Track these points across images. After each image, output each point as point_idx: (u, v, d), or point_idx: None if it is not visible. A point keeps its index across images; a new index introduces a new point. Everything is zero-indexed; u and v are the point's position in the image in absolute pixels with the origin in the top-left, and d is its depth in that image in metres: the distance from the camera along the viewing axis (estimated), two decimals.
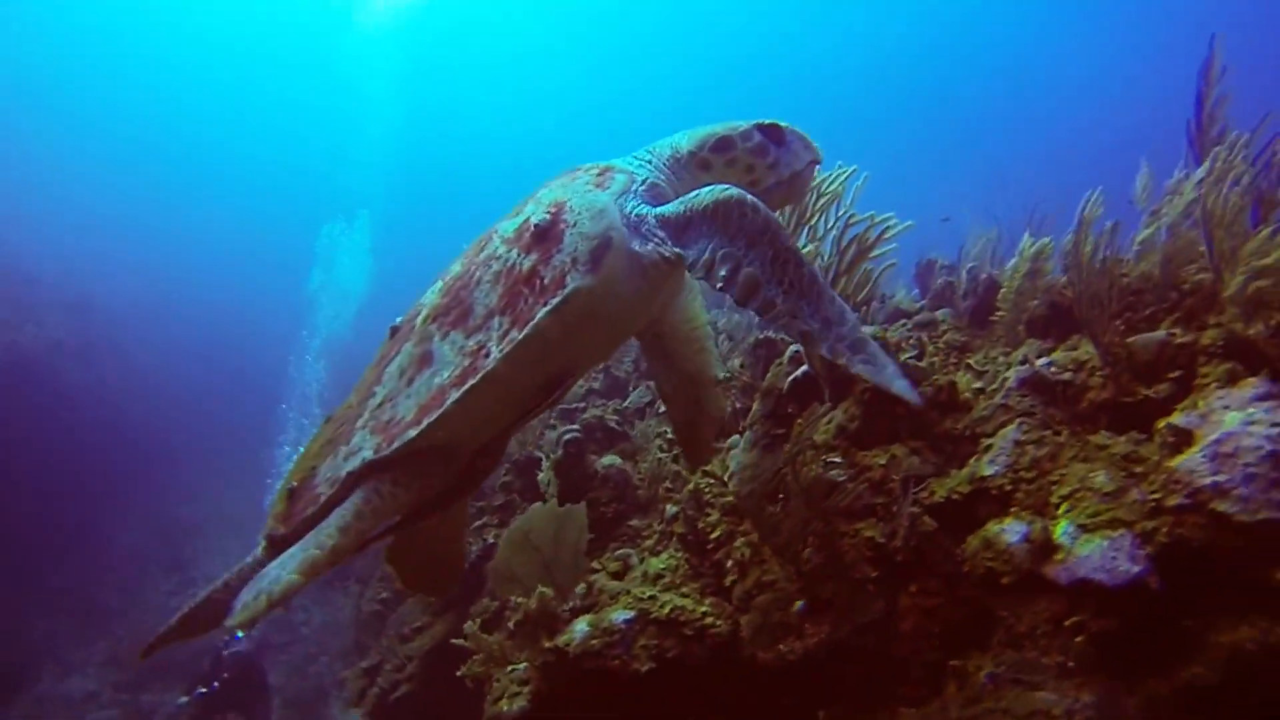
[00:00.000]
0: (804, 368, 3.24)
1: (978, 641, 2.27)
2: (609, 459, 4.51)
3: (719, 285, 1.85)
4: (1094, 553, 1.97)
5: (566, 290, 1.93)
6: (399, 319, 2.42)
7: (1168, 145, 3.72)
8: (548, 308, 1.93)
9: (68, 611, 7.25)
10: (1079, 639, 2.06)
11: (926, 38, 35.23)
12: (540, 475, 4.61)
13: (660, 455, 4.33)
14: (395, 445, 2.04)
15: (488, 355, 1.98)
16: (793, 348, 3.52)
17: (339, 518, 2.03)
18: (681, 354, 2.65)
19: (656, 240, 2.00)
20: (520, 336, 1.95)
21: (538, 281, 1.99)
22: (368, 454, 2.09)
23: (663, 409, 4.62)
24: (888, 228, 2.93)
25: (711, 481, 3.44)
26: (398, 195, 31.76)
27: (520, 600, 3.12)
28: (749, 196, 1.87)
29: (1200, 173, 3.25)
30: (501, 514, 5.44)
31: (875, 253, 3.02)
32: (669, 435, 4.41)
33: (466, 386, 1.98)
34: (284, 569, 1.94)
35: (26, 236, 15.76)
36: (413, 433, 2.02)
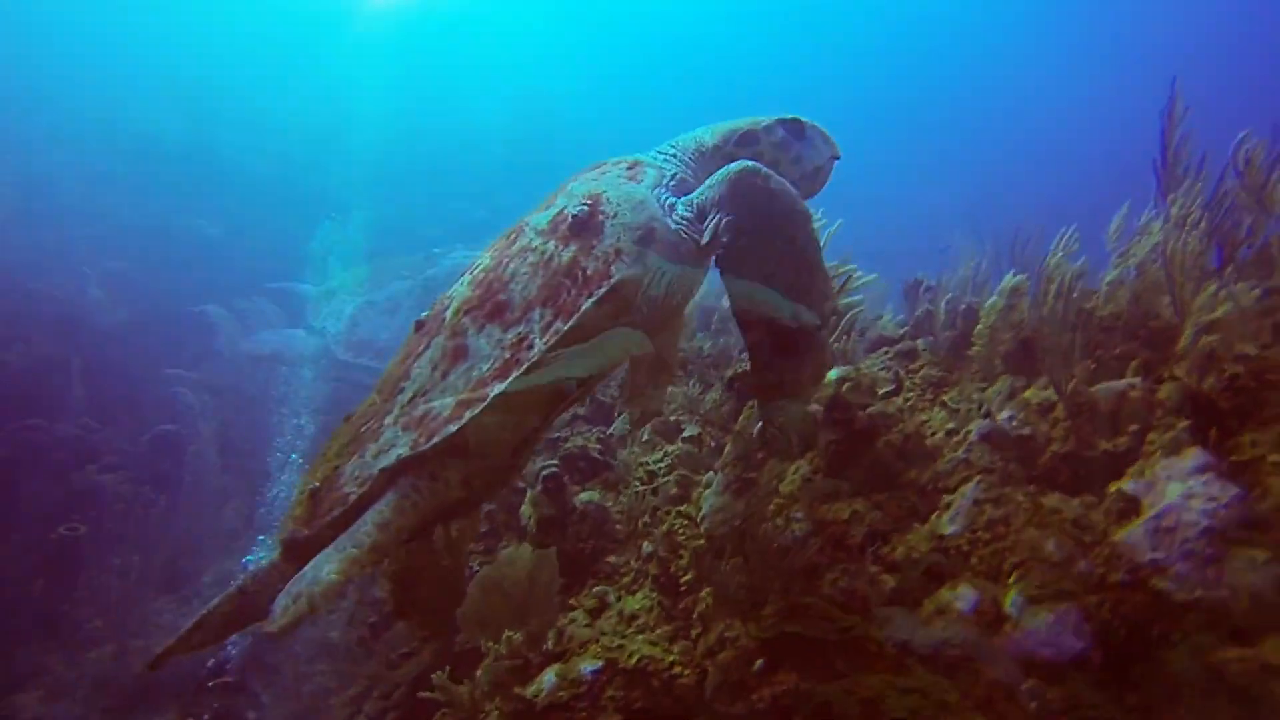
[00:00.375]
0: None
1: (939, 706, 2.29)
2: (587, 494, 4.53)
3: (717, 250, 1.90)
4: (1040, 626, 1.99)
5: (612, 280, 1.93)
6: (424, 313, 2.38)
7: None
8: (593, 298, 1.93)
9: (56, 634, 7.25)
10: (1034, 704, 2.09)
11: (933, 39, 35.14)
12: (522, 508, 4.63)
13: (639, 489, 4.35)
14: (435, 440, 2.00)
15: (530, 347, 1.97)
16: None
17: (377, 514, 2.01)
18: (657, 340, 2.66)
19: (687, 225, 2.04)
20: (565, 328, 1.93)
21: (579, 273, 1.98)
22: (403, 450, 2.05)
23: (645, 438, 4.66)
24: (850, 278, 2.95)
25: (685, 522, 3.46)
26: (393, 196, 31.69)
27: (491, 645, 3.14)
28: (763, 168, 1.92)
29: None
30: (486, 540, 5.45)
31: (842, 301, 3.04)
32: (650, 467, 4.43)
33: (510, 379, 1.95)
34: (321, 570, 1.92)
35: (11, 249, 15.67)
36: (453, 427, 1.98)
